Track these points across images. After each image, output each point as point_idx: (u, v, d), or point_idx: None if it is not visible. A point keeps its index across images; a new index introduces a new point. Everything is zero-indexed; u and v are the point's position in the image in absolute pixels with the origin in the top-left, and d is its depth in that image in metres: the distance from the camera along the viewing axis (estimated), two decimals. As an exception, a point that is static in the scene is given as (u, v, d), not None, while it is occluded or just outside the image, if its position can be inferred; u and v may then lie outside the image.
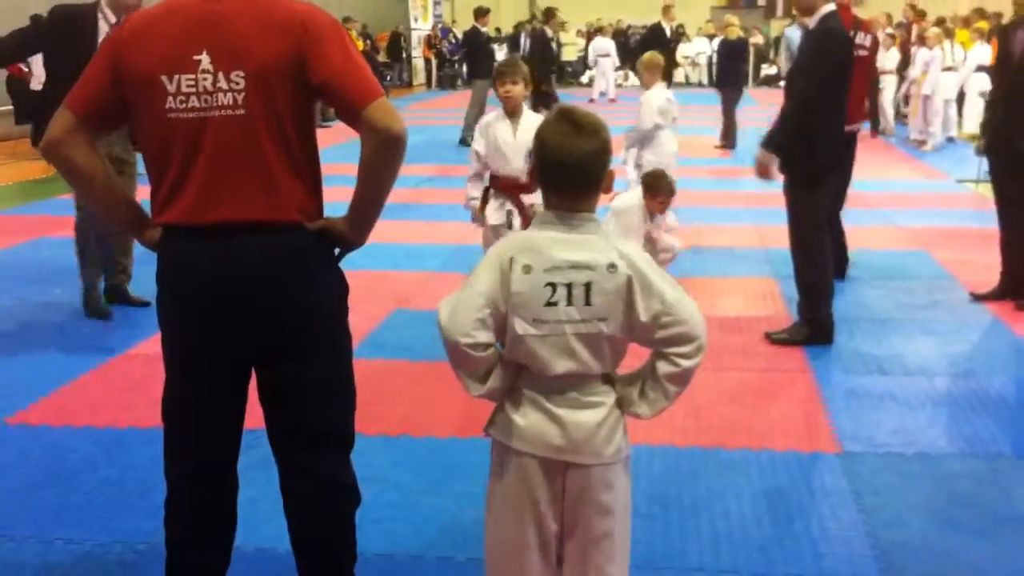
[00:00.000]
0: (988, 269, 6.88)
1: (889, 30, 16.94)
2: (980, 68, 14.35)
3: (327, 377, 2.72)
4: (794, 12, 22.51)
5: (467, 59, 16.65)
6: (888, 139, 15.63)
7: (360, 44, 21.35)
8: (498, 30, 31.98)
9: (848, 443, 4.38)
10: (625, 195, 6.77)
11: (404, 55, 29.05)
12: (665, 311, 2.36)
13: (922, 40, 14.84)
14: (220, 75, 2.48)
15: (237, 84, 2.48)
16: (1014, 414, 4.74)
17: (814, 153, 5.42)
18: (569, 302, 2.35)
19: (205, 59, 2.48)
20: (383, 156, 2.57)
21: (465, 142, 13.93)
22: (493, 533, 2.56)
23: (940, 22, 16.97)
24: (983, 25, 17.77)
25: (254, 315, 2.58)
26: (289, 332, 2.61)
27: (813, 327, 5.68)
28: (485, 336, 2.40)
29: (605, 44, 25.58)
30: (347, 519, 2.80)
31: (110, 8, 5.75)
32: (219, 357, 2.66)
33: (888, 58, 15.99)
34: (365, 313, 6.02)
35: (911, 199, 10.51)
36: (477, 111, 15.11)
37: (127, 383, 5.20)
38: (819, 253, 5.59)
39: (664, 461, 4.19)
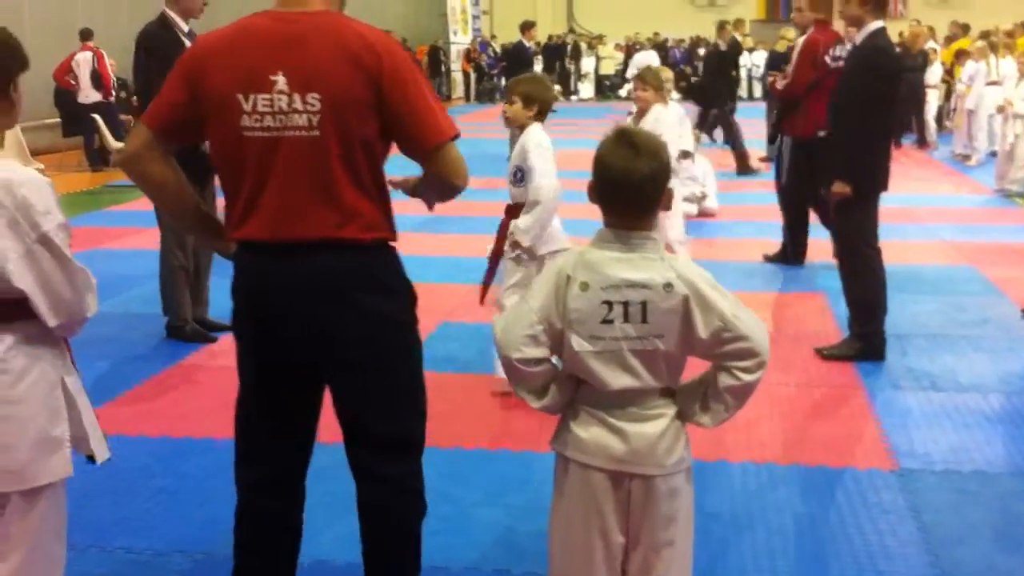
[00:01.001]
0: (1038, 287, 6.83)
1: (932, 44, 16.83)
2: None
3: (397, 384, 2.75)
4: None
5: (507, 72, 16.77)
6: (931, 153, 15.52)
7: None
8: (537, 43, 32.09)
9: (904, 460, 4.35)
10: None
11: (443, 68, 29.19)
12: (725, 327, 2.38)
13: (966, 55, 14.72)
14: (296, 96, 2.52)
15: (312, 106, 2.52)
16: (1069, 432, 4.68)
17: (873, 172, 5.42)
18: (625, 319, 2.38)
19: (281, 80, 2.53)
20: (441, 194, 2.82)
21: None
22: (559, 545, 2.58)
23: (985, 36, 16.82)
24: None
25: (327, 327, 2.62)
26: (359, 342, 2.65)
27: (865, 343, 5.64)
28: (537, 351, 2.43)
29: (644, 59, 25.46)
30: (414, 526, 2.83)
31: (178, 16, 5.84)
32: (293, 368, 2.71)
33: (932, 72, 15.92)
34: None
35: (956, 214, 10.45)
36: None
37: (179, 394, 5.26)
38: (871, 270, 5.56)
39: (716, 476, 4.17)
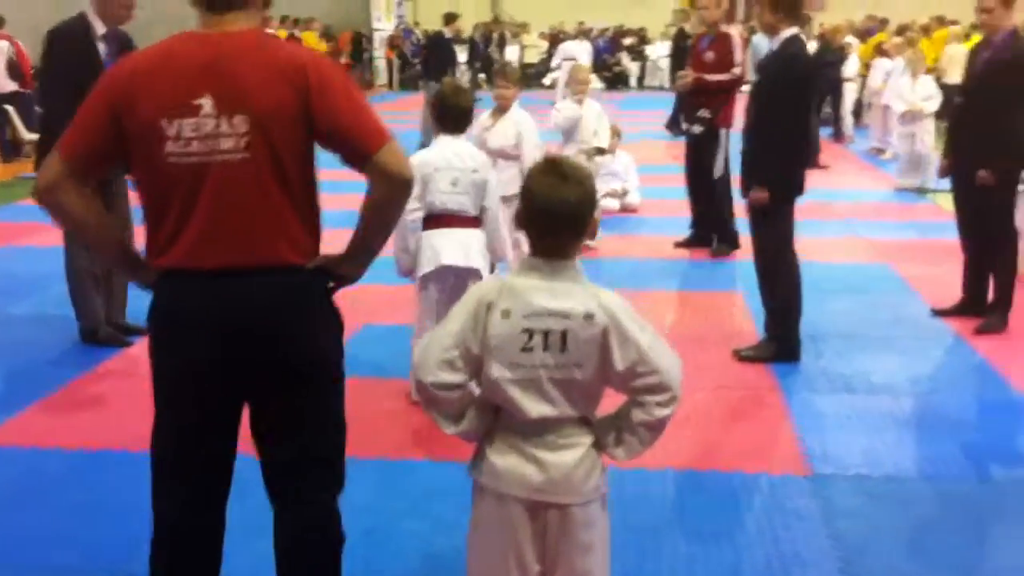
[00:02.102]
0: (948, 284, 7.00)
1: (849, 38, 17.14)
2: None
3: (322, 414, 2.74)
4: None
5: (426, 62, 16.62)
6: (847, 146, 15.82)
7: (322, 46, 21.27)
8: (458, 33, 31.97)
9: (818, 465, 4.45)
10: None
11: (366, 56, 28.94)
12: (641, 360, 2.41)
13: (883, 51, 15.02)
14: (223, 119, 2.48)
15: (240, 128, 2.49)
16: (974, 436, 4.84)
17: (789, 179, 5.53)
18: (545, 348, 2.40)
19: (207, 103, 2.48)
20: (394, 200, 2.65)
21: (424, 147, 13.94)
22: (476, 573, 2.59)
23: (901, 31, 17.19)
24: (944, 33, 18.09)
25: (252, 354, 2.59)
26: (286, 370, 2.63)
27: (780, 344, 5.76)
28: (453, 377, 2.44)
29: (572, 48, 25.50)
30: (336, 552, 2.82)
31: (100, 18, 5.69)
32: (215, 395, 2.66)
33: (848, 66, 16.20)
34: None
35: (871, 209, 10.70)
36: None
37: (95, 402, 5.18)
38: (788, 273, 5.67)
39: (636, 484, 4.22)
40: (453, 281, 4.87)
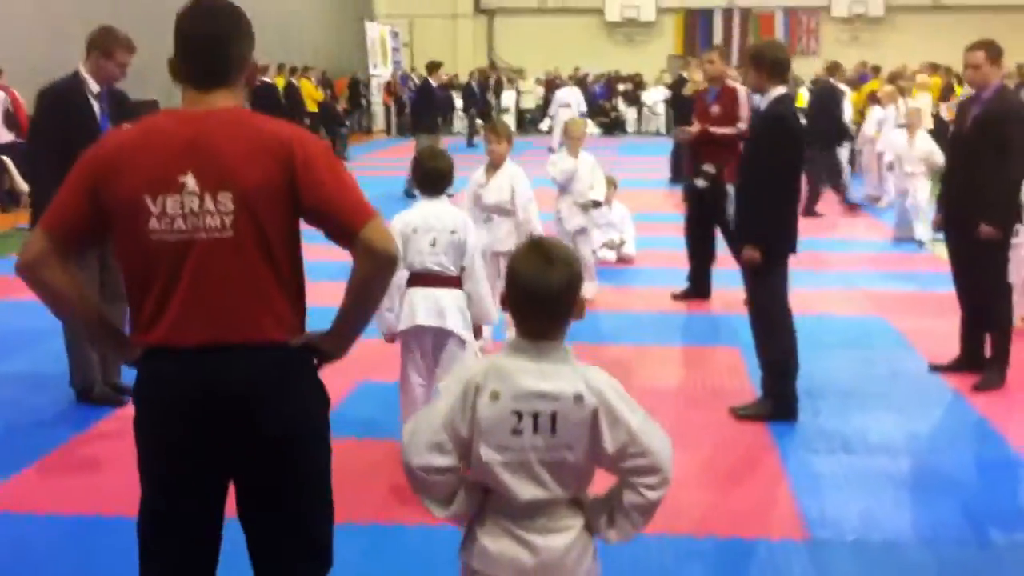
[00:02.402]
0: (945, 338, 6.99)
1: (842, 86, 17.23)
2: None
3: (306, 491, 2.72)
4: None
5: (414, 111, 16.71)
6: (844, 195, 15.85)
7: (319, 93, 21.38)
8: (447, 82, 32.19)
9: (815, 529, 4.42)
10: None
11: (364, 101, 29.11)
12: (631, 441, 2.40)
13: (875, 99, 15.11)
14: (207, 196, 2.49)
15: (225, 206, 2.49)
16: (974, 497, 4.81)
17: (782, 237, 5.54)
18: (535, 430, 2.39)
19: (191, 180, 2.49)
20: (379, 276, 2.63)
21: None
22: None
23: (892, 79, 17.30)
24: (937, 81, 18.19)
25: (236, 433, 2.58)
26: (269, 447, 2.62)
27: (777, 402, 5.74)
28: (441, 460, 2.43)
29: (565, 95, 25.64)
30: None
31: (92, 77, 5.73)
32: (199, 473, 2.65)
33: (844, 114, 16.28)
34: (328, 387, 5.98)
35: (867, 259, 10.72)
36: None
37: (89, 465, 5.14)
38: (784, 332, 5.68)
39: (633, 551, 4.15)
40: (432, 341, 4.93)
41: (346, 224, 2.56)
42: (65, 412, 5.91)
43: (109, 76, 5.76)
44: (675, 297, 8.78)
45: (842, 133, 14.52)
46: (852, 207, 14.21)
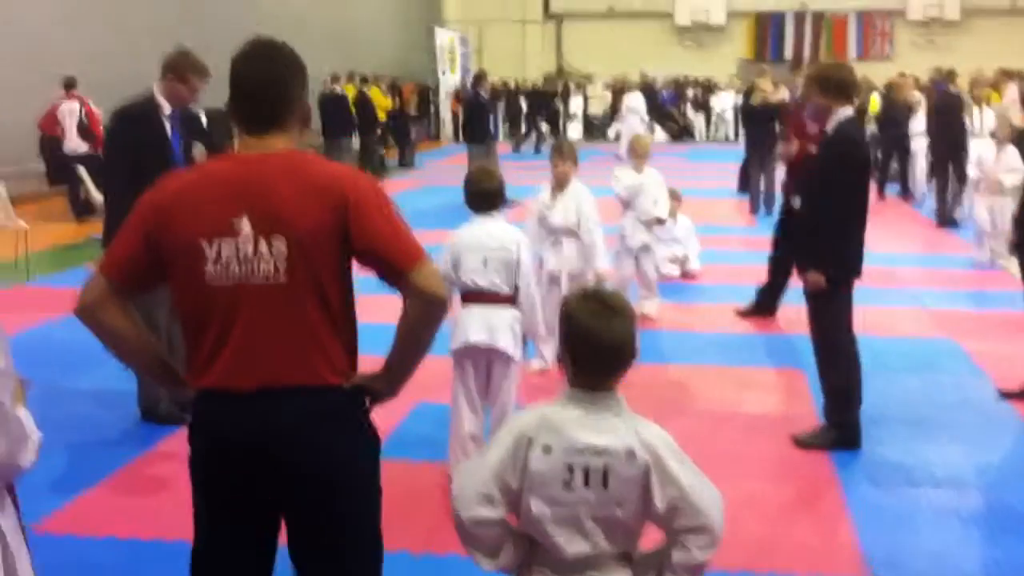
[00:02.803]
0: (1016, 362, 6.83)
1: (917, 94, 16.91)
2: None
3: (355, 534, 2.75)
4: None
5: (464, 125, 16.84)
6: (915, 207, 15.57)
7: (388, 102, 21.51)
8: (525, 80, 32.26)
9: (878, 569, 4.32)
10: None
11: (432, 108, 29.25)
12: (682, 499, 2.37)
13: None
14: (261, 241, 2.53)
15: (279, 251, 2.53)
16: (1045, 536, 4.67)
17: (846, 263, 5.44)
18: (586, 485, 2.37)
19: (245, 225, 2.53)
20: (429, 319, 2.66)
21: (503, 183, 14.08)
22: None
23: (971, 87, 16.92)
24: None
25: (286, 475, 2.62)
26: (323, 491, 2.65)
27: (840, 431, 5.64)
28: (490, 512, 2.42)
29: (632, 100, 25.52)
30: None
31: (165, 99, 5.87)
32: (250, 515, 2.71)
33: (917, 121, 15.97)
34: (386, 407, 6.00)
35: (938, 276, 10.44)
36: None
37: (150, 486, 5.22)
38: (847, 357, 5.57)
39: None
40: (485, 359, 5.04)
41: (397, 267, 2.58)
42: (130, 431, 6.00)
43: (181, 99, 5.89)
44: (739, 314, 8.68)
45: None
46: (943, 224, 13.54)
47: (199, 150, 6.28)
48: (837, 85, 5.43)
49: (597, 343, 2.39)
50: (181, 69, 5.82)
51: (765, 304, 8.62)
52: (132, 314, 2.74)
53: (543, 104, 28.15)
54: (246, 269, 2.54)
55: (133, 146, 5.74)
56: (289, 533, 2.76)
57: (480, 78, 17.25)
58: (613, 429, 2.39)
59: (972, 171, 10.73)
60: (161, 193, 2.66)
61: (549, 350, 6.68)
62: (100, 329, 2.69)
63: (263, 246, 2.53)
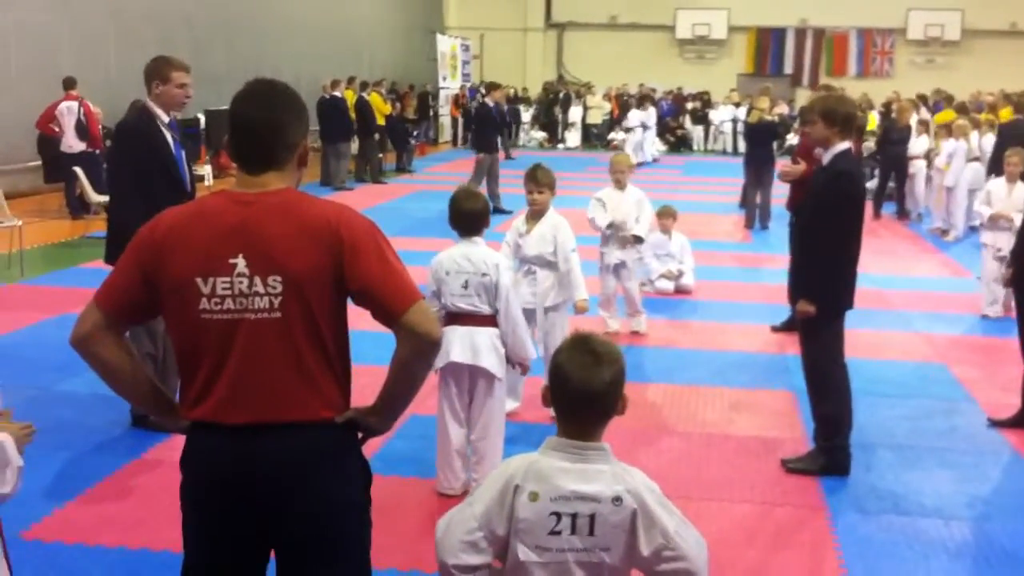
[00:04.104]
0: (1006, 390, 6.85)
1: (918, 117, 16.98)
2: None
3: (349, 571, 2.76)
4: (821, 84, 22.63)
5: (475, 134, 17.13)
6: (910, 226, 15.62)
7: (387, 107, 21.52)
8: (525, 89, 32.34)
9: (861, 599, 4.34)
10: None
11: (432, 113, 29.30)
12: (667, 545, 2.39)
13: (948, 131, 14.82)
14: (256, 279, 2.54)
15: (274, 288, 2.54)
16: (1030, 570, 4.68)
17: (839, 294, 5.46)
18: (573, 531, 2.39)
19: (241, 263, 2.55)
20: (422, 358, 2.67)
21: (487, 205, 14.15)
22: None
23: (963, 109, 17.00)
24: (1007, 113, 17.79)
25: (276, 508, 2.63)
26: (314, 527, 2.66)
27: (829, 457, 5.65)
28: (475, 559, 2.44)
29: (645, 115, 25.70)
30: None
31: (159, 107, 5.88)
32: (239, 546, 2.71)
33: (918, 143, 16.04)
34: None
35: (932, 300, 10.45)
36: (475, 184, 15.34)
37: (139, 494, 5.21)
38: (837, 387, 5.59)
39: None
40: (468, 378, 5.16)
41: (390, 308, 2.60)
42: (120, 436, 6.00)
43: (173, 100, 5.89)
44: (775, 329, 8.69)
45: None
46: None
47: None
48: (844, 119, 5.43)
49: (580, 394, 2.41)
50: (161, 71, 5.83)
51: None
52: (127, 346, 2.76)
53: (516, 112, 28.66)
54: (240, 304, 2.56)
55: (136, 160, 5.78)
56: (278, 565, 2.77)
57: (492, 88, 17.50)
58: (599, 477, 2.41)
59: (982, 209, 9.79)
60: (156, 229, 2.67)
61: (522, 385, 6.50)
62: (95, 361, 2.71)
63: (258, 283, 2.55)
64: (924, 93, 23.45)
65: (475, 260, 5.07)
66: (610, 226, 8.36)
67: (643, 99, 27.22)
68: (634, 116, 25.77)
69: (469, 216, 5.16)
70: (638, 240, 8.46)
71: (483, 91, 19.82)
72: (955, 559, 4.77)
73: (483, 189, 13.67)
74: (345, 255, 2.56)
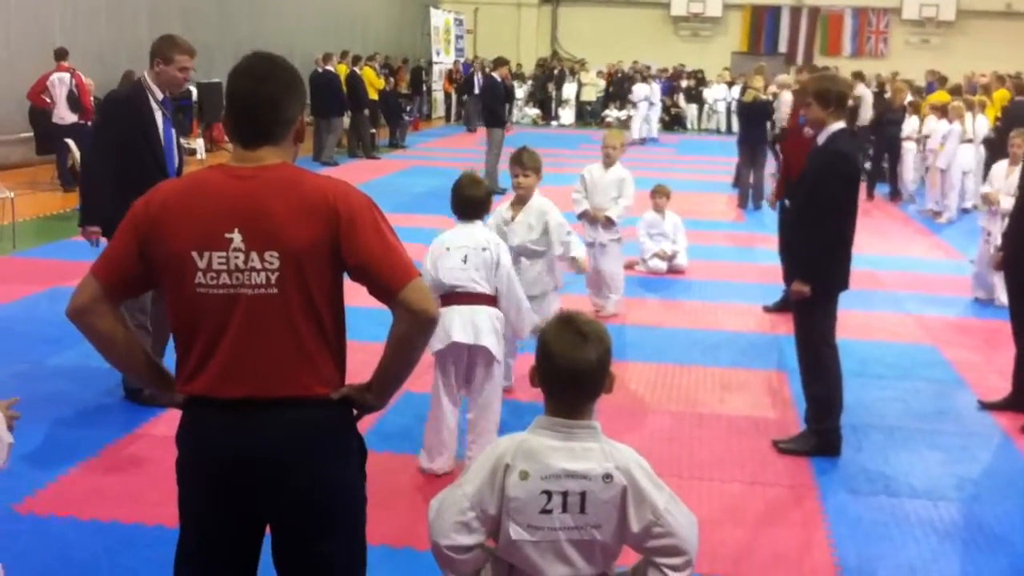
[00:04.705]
0: (998, 372, 6.89)
1: (911, 98, 16.97)
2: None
3: (344, 547, 2.77)
4: (806, 66, 22.59)
5: (484, 108, 17.07)
6: (905, 207, 15.64)
7: (380, 82, 21.42)
8: (519, 65, 32.22)
9: (851, 578, 4.38)
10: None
11: (425, 88, 29.18)
12: (657, 522, 2.40)
13: (943, 112, 14.81)
14: (253, 254, 2.54)
15: (271, 264, 2.54)
16: (1018, 552, 4.71)
17: (832, 274, 5.47)
18: (564, 509, 2.40)
19: (237, 238, 2.54)
20: (417, 335, 2.66)
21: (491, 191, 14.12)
22: None
23: (956, 91, 17.00)
24: (1004, 94, 17.80)
25: (272, 484, 2.63)
26: (310, 504, 2.67)
27: (820, 438, 5.68)
28: (468, 539, 2.45)
29: (646, 90, 25.65)
30: None
31: (156, 85, 5.89)
32: (235, 521, 2.72)
33: (908, 125, 16.04)
34: (374, 397, 6.02)
35: (924, 281, 10.46)
36: (495, 159, 15.32)
37: (132, 469, 5.21)
38: (828, 368, 5.60)
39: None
40: (467, 358, 5.13)
41: (387, 284, 2.59)
42: (113, 410, 6.00)
43: (171, 81, 5.89)
44: (768, 309, 8.73)
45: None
46: None
47: None
48: (837, 99, 5.43)
49: (567, 373, 2.42)
50: (166, 51, 5.84)
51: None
52: (123, 318, 2.76)
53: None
54: (237, 279, 2.55)
55: (121, 132, 5.78)
56: (274, 540, 2.78)
57: (499, 64, 17.46)
58: (589, 454, 2.42)
59: (985, 187, 9.69)
60: (153, 201, 2.66)
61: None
62: (91, 332, 2.70)
63: (255, 258, 2.54)
64: (911, 79, 23.39)
65: (475, 237, 5.14)
66: (583, 215, 8.37)
67: (646, 76, 27.21)
68: (639, 90, 25.69)
69: (472, 202, 5.23)
70: (609, 222, 8.30)
71: (490, 66, 19.72)
72: (944, 540, 4.81)
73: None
74: (342, 230, 2.56)
